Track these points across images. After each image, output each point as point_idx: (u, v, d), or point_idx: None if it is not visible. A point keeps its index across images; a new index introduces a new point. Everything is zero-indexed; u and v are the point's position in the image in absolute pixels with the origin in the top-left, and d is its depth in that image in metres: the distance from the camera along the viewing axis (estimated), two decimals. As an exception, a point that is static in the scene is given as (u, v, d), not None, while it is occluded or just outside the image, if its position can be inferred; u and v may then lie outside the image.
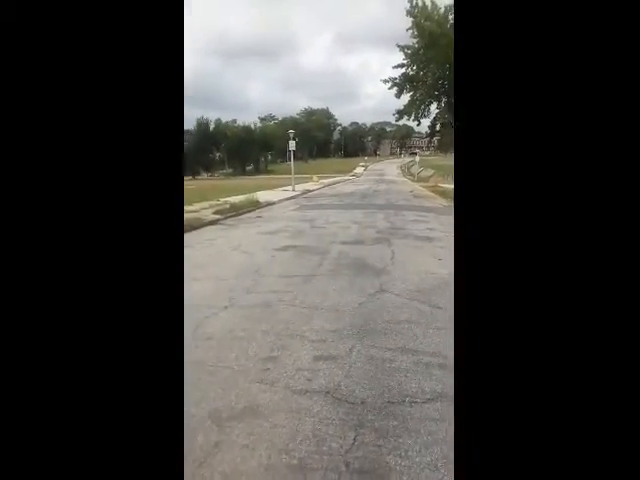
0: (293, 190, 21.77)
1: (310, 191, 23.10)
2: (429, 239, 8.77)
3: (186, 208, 12.91)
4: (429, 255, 7.25)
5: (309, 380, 3.11)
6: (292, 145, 22.11)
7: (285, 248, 7.74)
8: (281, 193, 20.27)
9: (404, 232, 9.59)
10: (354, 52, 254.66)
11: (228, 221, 11.59)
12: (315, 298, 4.94)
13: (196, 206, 13.23)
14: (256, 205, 14.28)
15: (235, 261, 6.88)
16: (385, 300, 4.86)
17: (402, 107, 21.35)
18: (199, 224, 10.37)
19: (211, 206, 13.35)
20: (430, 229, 10.13)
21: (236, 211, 12.72)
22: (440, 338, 3.82)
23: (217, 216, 11.78)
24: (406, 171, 44.76)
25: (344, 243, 8.22)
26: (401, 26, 19.62)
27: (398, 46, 20.13)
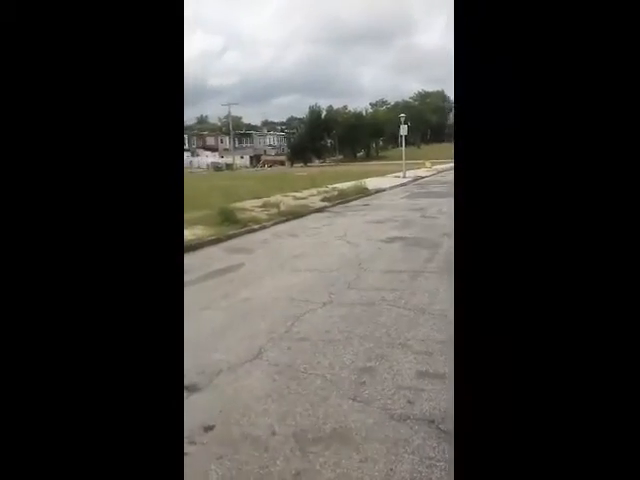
0: (404, 177, 20.94)
1: (422, 177, 22.06)
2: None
3: (294, 195, 12.99)
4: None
5: (410, 403, 2.64)
6: (403, 130, 21.25)
7: (392, 239, 7.24)
8: (391, 180, 19.60)
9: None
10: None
11: (335, 208, 11.36)
12: (422, 299, 4.40)
13: (304, 193, 13.24)
14: (364, 192, 13.87)
15: (339, 252, 6.56)
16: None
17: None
18: (306, 211, 10.29)
19: (319, 193, 13.26)
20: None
21: (344, 198, 12.45)
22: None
23: (324, 203, 11.62)
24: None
25: (458, 236, 7.45)
26: None
27: None
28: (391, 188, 16.21)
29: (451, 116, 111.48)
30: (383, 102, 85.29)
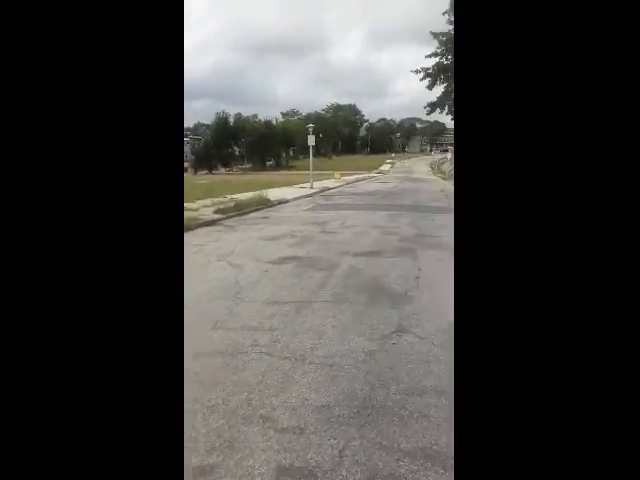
0: (311, 187, 20.30)
1: (329, 189, 21.60)
2: (464, 250, 7.18)
3: (185, 206, 11.62)
4: (450, 268, 5.67)
5: None
6: (311, 140, 20.66)
7: (284, 260, 6.28)
8: (297, 190, 18.83)
9: (434, 241, 7.99)
10: (385, 49, 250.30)
11: (229, 222, 10.18)
12: (305, 341, 3.48)
13: (197, 203, 11.90)
14: (265, 203, 12.87)
15: (216, 277, 5.46)
16: (404, 348, 3.35)
17: (435, 99, 19.55)
18: (193, 225, 9.03)
19: (214, 204, 12.00)
20: (464, 236, 8.52)
21: (240, 210, 11.32)
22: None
23: (217, 216, 10.41)
24: (436, 169, 42.72)
25: (358, 255, 6.68)
26: (436, 24, 17.95)
27: (432, 33, 18.34)
28: (295, 199, 15.38)
29: (362, 129, 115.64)
30: (294, 112, 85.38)
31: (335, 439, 2.29)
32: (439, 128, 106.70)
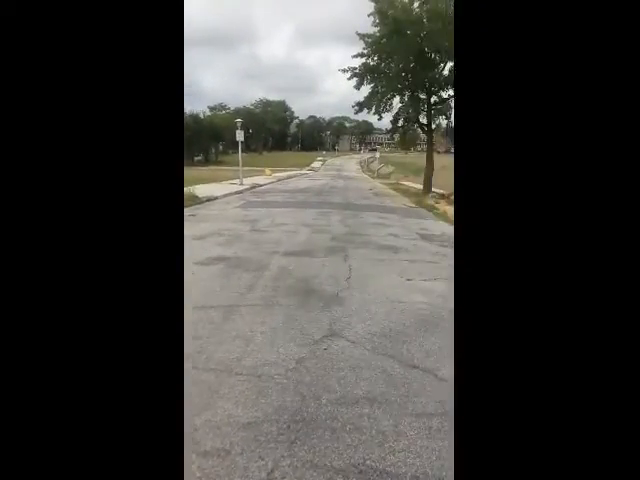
0: (240, 184, 19.82)
1: (260, 185, 21.24)
2: (394, 249, 7.23)
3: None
4: (396, 272, 5.69)
5: None
6: (240, 135, 20.13)
7: (211, 260, 5.96)
8: (226, 187, 18.28)
9: (364, 239, 8.02)
10: (315, 47, 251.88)
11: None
12: (232, 350, 3.25)
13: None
14: (193, 200, 12.30)
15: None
16: (336, 354, 3.23)
17: (362, 99, 19.80)
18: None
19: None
20: (394, 235, 8.62)
21: (166, 207, 10.69)
22: (436, 443, 2.21)
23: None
24: (365, 167, 43.65)
25: (288, 254, 6.51)
26: (366, 24, 18.10)
27: (358, 34, 18.50)
28: (224, 196, 14.88)
29: (292, 126, 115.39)
30: (222, 107, 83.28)
31: (263, 460, 2.11)
32: (367, 128, 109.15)
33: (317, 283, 5.02)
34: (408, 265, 6.17)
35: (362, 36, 18.29)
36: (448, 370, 2.99)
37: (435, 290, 4.95)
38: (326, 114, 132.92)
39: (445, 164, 29.77)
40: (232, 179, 21.17)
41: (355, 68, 18.77)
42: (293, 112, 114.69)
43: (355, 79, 18.97)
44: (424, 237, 8.63)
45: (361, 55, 18.53)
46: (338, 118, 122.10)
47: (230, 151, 56.18)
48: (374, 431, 2.33)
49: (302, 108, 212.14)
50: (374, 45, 18.08)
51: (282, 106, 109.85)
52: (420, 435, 2.31)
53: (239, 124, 20.56)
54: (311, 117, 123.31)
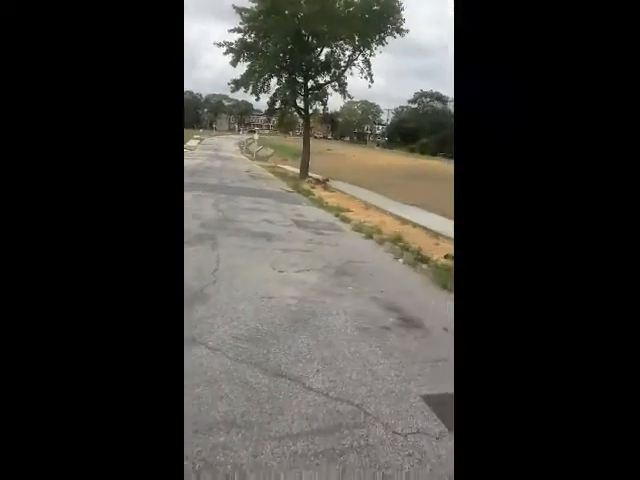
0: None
1: (128, 164, 19.28)
2: (268, 237, 6.88)
3: None
4: (268, 263, 5.36)
5: None
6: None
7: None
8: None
9: (236, 226, 7.54)
10: (194, 19, 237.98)
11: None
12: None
13: None
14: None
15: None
16: (193, 366, 2.76)
17: (239, 77, 18.95)
18: None
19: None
20: (269, 222, 8.28)
21: None
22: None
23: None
24: (244, 149, 42.64)
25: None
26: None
27: (235, 8, 17.58)
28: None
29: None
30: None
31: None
32: (247, 108, 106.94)
33: (179, 278, 4.47)
34: (281, 255, 5.88)
35: (239, 10, 17.40)
36: (317, 377, 2.76)
37: (307, 282, 4.73)
38: (204, 91, 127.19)
39: (322, 150, 30.35)
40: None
41: (232, 43, 17.82)
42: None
43: (231, 55, 18.04)
44: (299, 224, 8.45)
45: (238, 30, 17.63)
46: (216, 96, 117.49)
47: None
48: (229, 466, 1.96)
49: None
50: (251, 21, 17.33)
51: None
52: (282, 464, 2.00)
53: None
54: (187, 92, 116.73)
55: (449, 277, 5.29)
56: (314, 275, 5.05)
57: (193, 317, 3.46)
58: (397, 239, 7.52)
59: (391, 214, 10.58)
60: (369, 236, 7.85)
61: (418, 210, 11.10)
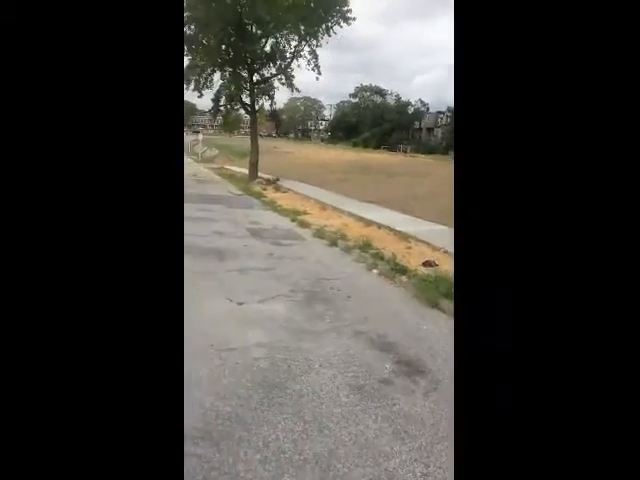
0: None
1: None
2: (219, 255, 5.83)
3: None
4: (223, 292, 4.35)
5: None
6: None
7: None
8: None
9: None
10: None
11: None
12: None
13: None
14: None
15: None
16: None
17: (179, 73, 17.48)
18: None
19: None
20: (219, 234, 7.21)
21: None
22: None
23: None
24: (189, 150, 40.72)
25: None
26: None
27: (170, -5, 16.17)
28: None
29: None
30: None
31: None
32: (190, 108, 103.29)
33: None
34: (238, 278, 4.89)
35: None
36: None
37: (274, 317, 3.78)
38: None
39: (269, 148, 29.24)
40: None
41: (168, 36, 16.35)
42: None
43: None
44: (254, 233, 7.46)
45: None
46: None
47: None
48: None
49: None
50: (189, 11, 15.96)
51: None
52: None
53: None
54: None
55: (434, 291, 4.54)
56: (281, 305, 4.12)
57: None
58: (366, 245, 6.69)
59: (351, 214, 9.77)
60: (333, 243, 6.99)
61: (378, 208, 10.38)
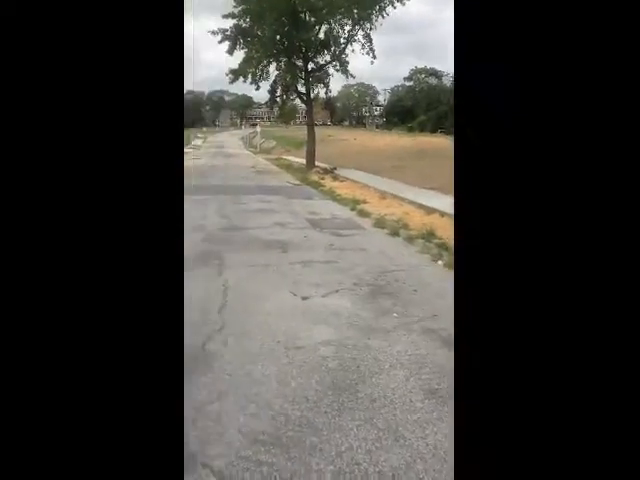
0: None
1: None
2: (282, 246, 5.82)
3: None
4: (287, 285, 4.31)
5: None
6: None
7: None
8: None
9: (245, 235, 6.50)
10: (193, 18, 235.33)
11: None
12: None
13: None
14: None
15: None
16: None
17: (236, 67, 17.68)
18: None
19: None
20: (281, 225, 7.22)
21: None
22: None
23: None
24: (248, 143, 41.54)
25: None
26: None
27: (225, -11, 16.32)
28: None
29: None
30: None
31: None
32: (247, 101, 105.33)
33: (174, 324, 3.43)
34: (301, 270, 4.84)
35: (231, -8, 16.09)
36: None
37: (341, 313, 3.68)
38: (206, 88, 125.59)
39: (323, 136, 29.07)
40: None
41: (226, 30, 16.55)
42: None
43: (227, 43, 16.79)
44: (314, 224, 7.39)
45: (232, 16, 16.35)
46: (217, 92, 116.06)
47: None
48: None
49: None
50: (244, 4, 16.02)
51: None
52: None
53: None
54: (189, 92, 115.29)
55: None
56: (346, 299, 4.01)
57: (189, 405, 2.41)
58: (429, 234, 6.42)
59: (411, 202, 9.43)
60: (395, 233, 6.76)
61: (438, 195, 9.90)
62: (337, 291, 4.20)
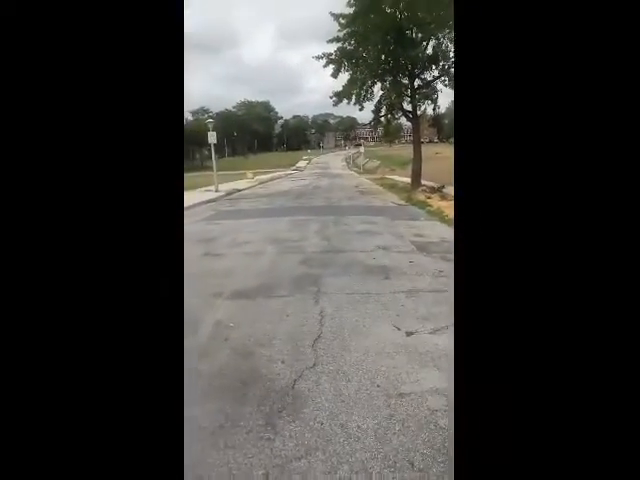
0: (216, 190, 17.96)
1: (238, 190, 19.40)
2: (385, 273, 5.39)
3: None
4: (389, 318, 3.87)
5: None
6: (212, 137, 18.29)
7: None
8: (199, 195, 16.40)
9: (345, 258, 6.18)
10: (298, 47, 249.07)
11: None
12: None
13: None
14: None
15: None
16: None
17: (340, 89, 17.85)
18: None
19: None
20: (384, 249, 6.79)
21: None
22: None
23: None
24: (351, 163, 41.92)
25: (234, 297, 4.61)
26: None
27: (332, 14, 16.63)
28: (193, 207, 12.97)
29: (277, 126, 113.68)
30: (205, 111, 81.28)
31: None
32: (351, 123, 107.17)
33: (265, 356, 3.17)
34: (406, 301, 4.35)
35: (336, 17, 16.37)
36: None
37: (451, 354, 3.15)
38: (310, 112, 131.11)
39: (430, 154, 28.07)
40: (209, 185, 19.24)
41: (331, 54, 16.84)
42: (277, 113, 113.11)
43: (332, 66, 17.06)
44: (420, 247, 6.84)
45: (337, 40, 16.61)
46: (322, 115, 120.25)
47: (216, 156, 54.70)
48: None
49: (287, 108, 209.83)
50: (349, 27, 16.17)
51: (266, 107, 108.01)
52: None
53: (210, 125, 18.81)
54: (295, 116, 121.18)
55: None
56: (457, 336, 3.46)
57: (269, 463, 2.08)
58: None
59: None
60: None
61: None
62: (447, 327, 3.65)
